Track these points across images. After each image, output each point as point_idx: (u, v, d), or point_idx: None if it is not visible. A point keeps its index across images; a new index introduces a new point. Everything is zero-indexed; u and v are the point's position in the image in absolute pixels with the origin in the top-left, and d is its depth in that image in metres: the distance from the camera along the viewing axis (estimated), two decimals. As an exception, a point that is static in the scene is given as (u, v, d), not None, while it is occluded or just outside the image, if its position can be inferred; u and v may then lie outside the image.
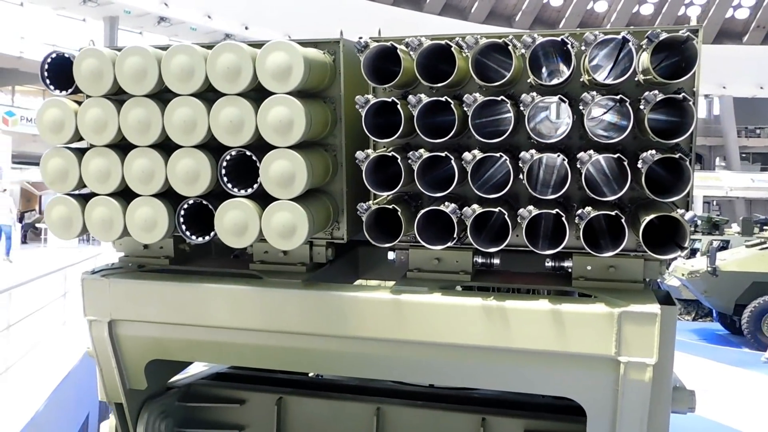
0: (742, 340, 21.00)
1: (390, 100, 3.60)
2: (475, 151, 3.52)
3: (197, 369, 5.53)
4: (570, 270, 3.91)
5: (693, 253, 23.36)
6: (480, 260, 4.05)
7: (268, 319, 3.99)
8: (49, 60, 4.00)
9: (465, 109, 3.48)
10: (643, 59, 3.39)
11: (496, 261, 4.05)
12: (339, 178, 4.19)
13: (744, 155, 57.12)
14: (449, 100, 3.52)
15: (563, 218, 3.46)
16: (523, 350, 3.66)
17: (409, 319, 3.76)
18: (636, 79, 3.57)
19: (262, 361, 4.30)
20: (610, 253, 3.44)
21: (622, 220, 3.41)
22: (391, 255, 4.18)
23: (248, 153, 3.79)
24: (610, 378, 3.56)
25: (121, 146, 3.97)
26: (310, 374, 5.65)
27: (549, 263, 3.99)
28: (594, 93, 3.32)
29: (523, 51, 3.45)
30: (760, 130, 58.57)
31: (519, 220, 3.48)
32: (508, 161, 3.50)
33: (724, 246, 23.53)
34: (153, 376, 4.48)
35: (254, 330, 4.06)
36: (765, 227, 25.76)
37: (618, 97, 3.34)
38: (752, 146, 58.25)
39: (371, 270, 5.09)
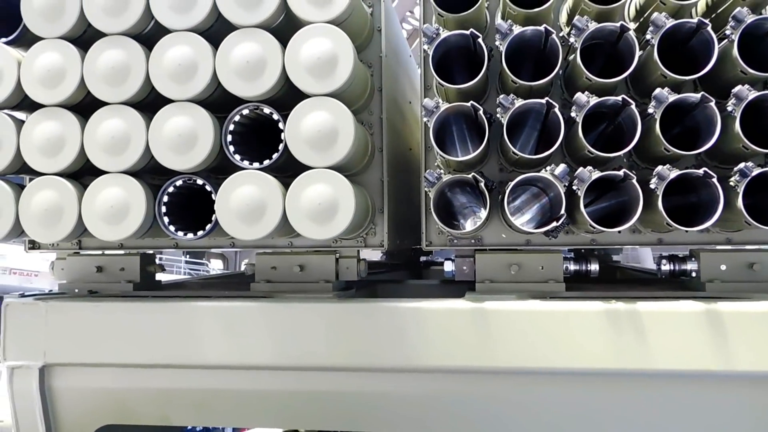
0: None
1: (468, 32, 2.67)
2: (588, 94, 2.60)
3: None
4: (695, 274, 2.94)
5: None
6: (573, 266, 3.02)
7: (288, 350, 2.75)
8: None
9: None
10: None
11: (594, 267, 3.04)
12: (376, 167, 3.17)
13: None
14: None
15: (714, 180, 2.52)
16: (670, 373, 2.57)
17: (501, 337, 2.63)
18: None
19: (278, 417, 2.94)
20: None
21: (797, 177, 2.50)
22: (448, 266, 3.09)
23: (267, 110, 2.74)
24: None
25: (82, 106, 2.85)
26: None
27: (666, 266, 3.01)
28: None
29: None
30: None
31: (652, 185, 2.53)
32: (633, 108, 2.59)
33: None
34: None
35: (266, 368, 2.79)
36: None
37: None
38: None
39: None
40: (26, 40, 2.83)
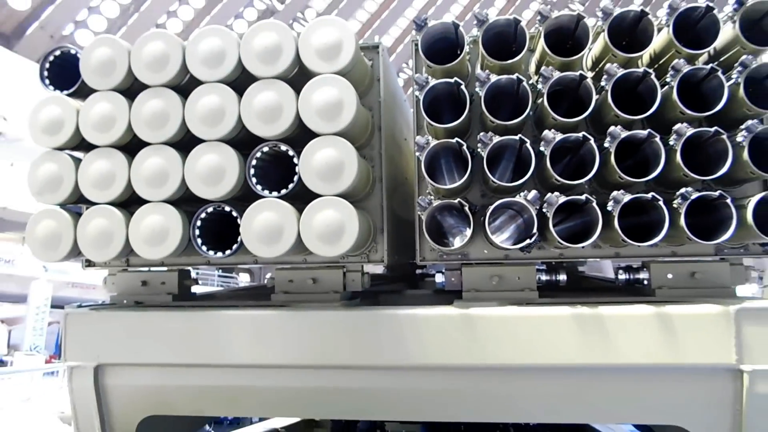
0: None
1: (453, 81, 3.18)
2: (554, 131, 3.09)
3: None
4: (646, 282, 3.40)
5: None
6: (544, 277, 3.50)
7: (304, 351, 3.25)
8: (51, 58, 3.48)
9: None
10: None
11: (562, 277, 3.52)
12: (376, 194, 3.67)
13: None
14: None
15: (660, 203, 3.00)
16: (626, 366, 3.04)
17: (485, 338, 3.11)
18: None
19: (296, 408, 3.45)
20: (723, 238, 2.95)
21: (728, 201, 2.98)
22: (439, 278, 3.58)
23: (283, 147, 3.27)
24: (729, 393, 2.96)
25: (129, 146, 3.39)
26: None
27: (622, 276, 3.48)
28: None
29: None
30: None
31: (609, 207, 3.01)
32: (592, 143, 3.08)
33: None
34: (145, 443, 3.57)
35: (285, 366, 3.29)
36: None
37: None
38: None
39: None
40: (84, 92, 3.38)
